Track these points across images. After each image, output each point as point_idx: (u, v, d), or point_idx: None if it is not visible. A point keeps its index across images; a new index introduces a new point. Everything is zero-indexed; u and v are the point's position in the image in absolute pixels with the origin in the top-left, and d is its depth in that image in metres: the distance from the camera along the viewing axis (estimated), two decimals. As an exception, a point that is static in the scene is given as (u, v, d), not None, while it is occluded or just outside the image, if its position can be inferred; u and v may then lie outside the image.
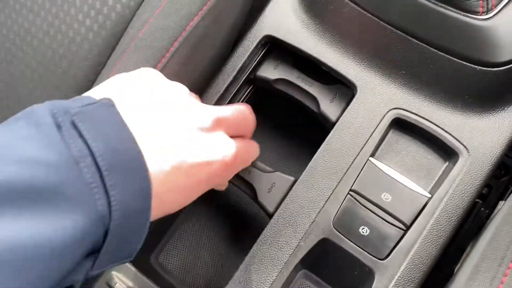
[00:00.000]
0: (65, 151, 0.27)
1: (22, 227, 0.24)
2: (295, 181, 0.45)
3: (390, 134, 0.46)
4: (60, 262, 0.26)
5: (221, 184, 0.45)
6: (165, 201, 0.34)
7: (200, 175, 0.35)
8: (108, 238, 0.28)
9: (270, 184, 0.46)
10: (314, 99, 0.50)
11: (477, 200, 0.70)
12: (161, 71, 0.44)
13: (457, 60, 0.43)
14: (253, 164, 0.46)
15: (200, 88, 0.49)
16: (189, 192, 0.36)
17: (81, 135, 0.28)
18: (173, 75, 0.45)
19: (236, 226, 0.55)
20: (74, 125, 0.28)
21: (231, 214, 0.56)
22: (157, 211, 0.33)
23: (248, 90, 0.54)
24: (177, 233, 0.54)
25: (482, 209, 0.69)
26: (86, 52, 0.52)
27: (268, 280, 0.42)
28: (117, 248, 0.29)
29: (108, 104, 0.30)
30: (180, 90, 0.38)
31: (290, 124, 0.58)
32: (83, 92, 0.50)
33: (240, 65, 0.49)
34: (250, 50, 0.50)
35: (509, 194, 0.50)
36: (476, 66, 0.42)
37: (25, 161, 0.26)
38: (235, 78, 0.50)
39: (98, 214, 0.27)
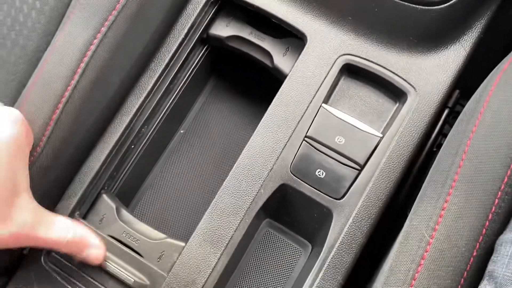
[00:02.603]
0: None
1: None
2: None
3: (342, 80, 0.47)
4: None
5: None
6: None
7: None
8: None
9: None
10: (267, 53, 0.51)
11: (435, 149, 0.72)
12: (110, 28, 0.44)
13: (398, 1, 0.44)
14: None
15: (152, 48, 0.49)
16: None
17: None
18: (122, 33, 0.45)
19: (208, 179, 0.56)
20: None
21: (204, 166, 0.57)
22: None
23: (203, 51, 0.54)
24: (152, 187, 0.56)
25: (441, 157, 0.71)
26: (34, 21, 0.51)
27: (231, 228, 0.43)
28: None
29: None
30: None
31: (247, 80, 0.59)
32: (35, 64, 0.50)
33: (190, 23, 0.49)
34: (200, 8, 0.50)
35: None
36: (417, 6, 0.43)
37: None
38: (187, 38, 0.50)
39: None
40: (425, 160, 0.52)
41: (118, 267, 0.44)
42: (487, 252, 0.34)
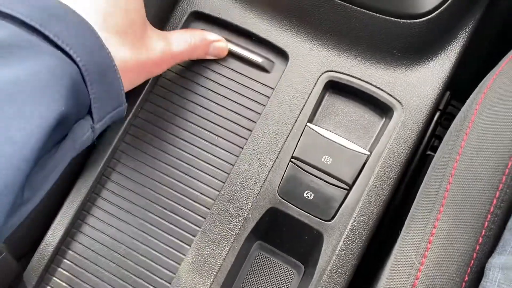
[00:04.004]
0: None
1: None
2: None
3: (327, 97, 0.46)
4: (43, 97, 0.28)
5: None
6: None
7: None
8: (86, 78, 0.32)
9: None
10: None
11: (429, 152, 0.72)
12: None
13: (380, 16, 0.43)
14: None
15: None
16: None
17: None
18: None
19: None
20: None
21: None
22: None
23: None
24: None
25: (434, 160, 0.70)
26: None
27: (221, 255, 0.43)
28: (102, 91, 0.33)
29: None
30: None
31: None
32: None
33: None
34: (178, 29, 0.48)
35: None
36: (399, 20, 0.42)
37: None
38: None
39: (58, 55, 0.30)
40: (418, 164, 0.52)
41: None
42: (479, 276, 0.33)
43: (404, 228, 0.36)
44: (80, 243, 0.46)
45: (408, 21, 0.42)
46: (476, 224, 0.33)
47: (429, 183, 0.36)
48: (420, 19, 0.42)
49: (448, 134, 0.39)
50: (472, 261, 0.33)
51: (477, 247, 0.33)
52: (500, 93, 0.35)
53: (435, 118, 0.50)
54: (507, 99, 0.34)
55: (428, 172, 0.38)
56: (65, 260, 0.46)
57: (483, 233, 0.33)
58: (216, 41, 0.47)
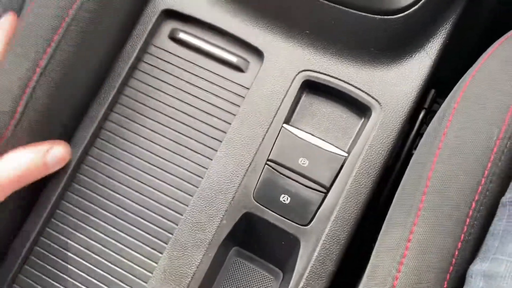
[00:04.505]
0: None
1: None
2: None
3: (303, 97, 0.45)
4: None
5: None
6: None
7: None
8: None
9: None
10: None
11: (413, 152, 0.70)
12: (49, 60, 0.40)
13: (356, 12, 0.41)
14: None
15: (103, 73, 0.46)
16: None
17: None
18: (65, 63, 0.41)
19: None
20: None
21: None
22: None
23: None
24: None
25: (418, 159, 0.69)
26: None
27: (194, 263, 0.41)
28: None
29: None
30: None
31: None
32: None
33: (140, 44, 0.46)
34: (150, 27, 0.47)
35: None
36: (376, 16, 0.41)
37: None
38: (138, 58, 0.47)
39: None
40: (403, 164, 0.50)
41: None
42: (460, 282, 0.32)
43: (381, 233, 0.35)
44: (48, 252, 0.44)
45: (384, 17, 0.41)
46: (455, 228, 0.31)
47: (407, 186, 0.35)
48: (397, 15, 0.41)
49: (426, 135, 0.37)
50: (451, 267, 0.31)
51: (456, 253, 0.31)
52: (478, 93, 0.33)
53: (420, 117, 0.49)
54: (484, 98, 0.33)
55: (405, 175, 0.37)
56: (32, 270, 0.44)
57: (462, 238, 0.31)
58: (52, 149, 0.40)
